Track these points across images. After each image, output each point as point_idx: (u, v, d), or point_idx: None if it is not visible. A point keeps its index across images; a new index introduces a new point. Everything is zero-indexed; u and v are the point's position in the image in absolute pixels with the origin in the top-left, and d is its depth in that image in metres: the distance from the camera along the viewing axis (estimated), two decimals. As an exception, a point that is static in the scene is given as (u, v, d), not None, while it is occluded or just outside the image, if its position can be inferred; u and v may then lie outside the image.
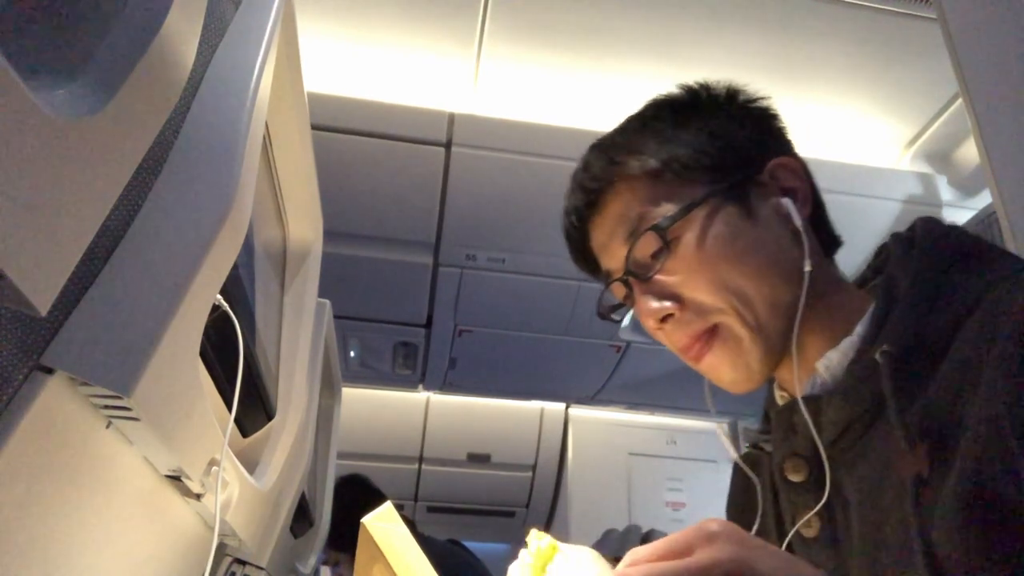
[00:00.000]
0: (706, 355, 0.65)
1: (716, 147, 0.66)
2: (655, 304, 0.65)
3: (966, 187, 2.11)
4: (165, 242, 0.47)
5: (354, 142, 1.89)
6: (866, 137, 2.05)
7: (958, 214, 2.13)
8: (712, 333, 0.64)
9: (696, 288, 0.63)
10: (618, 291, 0.71)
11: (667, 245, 0.64)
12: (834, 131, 2.01)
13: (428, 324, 2.56)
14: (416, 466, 3.30)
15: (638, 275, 0.66)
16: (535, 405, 3.27)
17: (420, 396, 3.18)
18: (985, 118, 1.01)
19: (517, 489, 3.39)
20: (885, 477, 0.54)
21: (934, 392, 0.52)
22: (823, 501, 0.59)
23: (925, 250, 0.59)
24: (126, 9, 0.42)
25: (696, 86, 0.72)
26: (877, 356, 0.54)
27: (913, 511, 0.49)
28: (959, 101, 1.77)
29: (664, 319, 0.65)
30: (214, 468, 0.59)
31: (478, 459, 3.27)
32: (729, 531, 0.45)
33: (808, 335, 0.64)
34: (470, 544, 2.65)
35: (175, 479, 0.57)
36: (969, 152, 2.01)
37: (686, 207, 0.64)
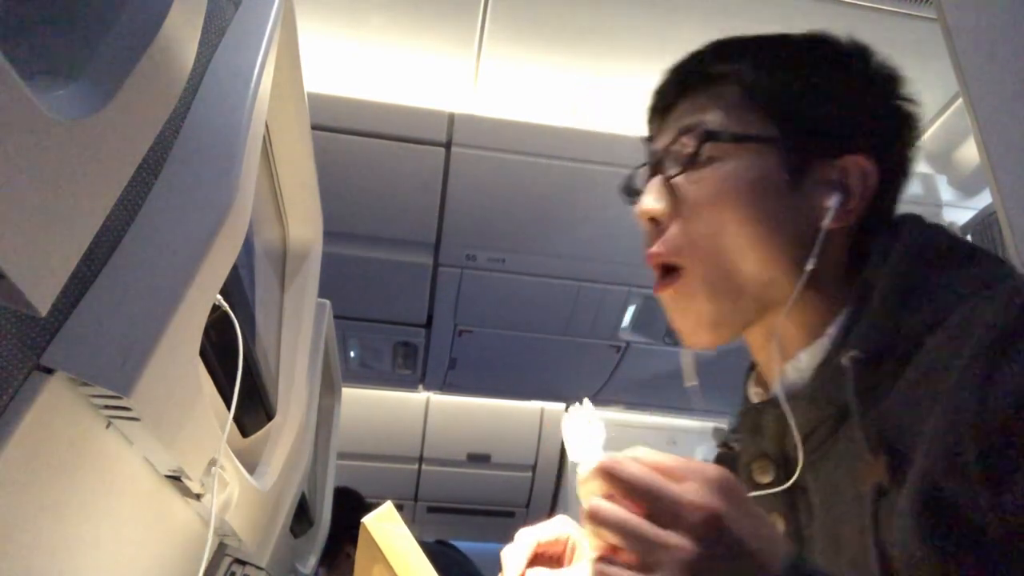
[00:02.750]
0: (666, 295, 0.63)
1: (822, 107, 0.61)
2: (651, 200, 0.63)
3: (966, 187, 2.11)
4: (165, 242, 0.47)
5: (354, 142, 1.89)
6: (866, 137, 2.05)
7: (958, 214, 2.13)
8: (673, 275, 0.62)
9: (692, 219, 0.61)
10: (643, 176, 0.68)
11: (696, 153, 0.61)
12: (834, 131, 2.00)
13: (428, 324, 2.55)
14: (416, 466, 3.30)
15: (662, 164, 0.64)
16: (535, 405, 3.27)
17: (420, 396, 3.18)
18: (985, 118, 1.01)
19: (517, 489, 3.39)
20: (847, 481, 0.54)
21: (897, 400, 0.51)
22: (789, 501, 0.59)
23: (904, 254, 0.57)
24: (126, 9, 0.42)
25: (859, 48, 0.66)
26: (844, 361, 0.54)
27: (870, 519, 0.49)
28: (959, 101, 1.77)
29: (649, 222, 0.63)
30: (214, 468, 0.59)
31: (478, 459, 3.27)
32: (724, 483, 0.44)
33: (787, 331, 0.62)
34: (470, 544, 2.65)
35: (175, 479, 0.57)
36: (969, 152, 2.01)
37: (740, 135, 0.60)
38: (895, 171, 0.64)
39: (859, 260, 0.62)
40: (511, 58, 1.79)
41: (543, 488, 3.37)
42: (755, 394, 0.69)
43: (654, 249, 0.63)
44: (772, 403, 0.61)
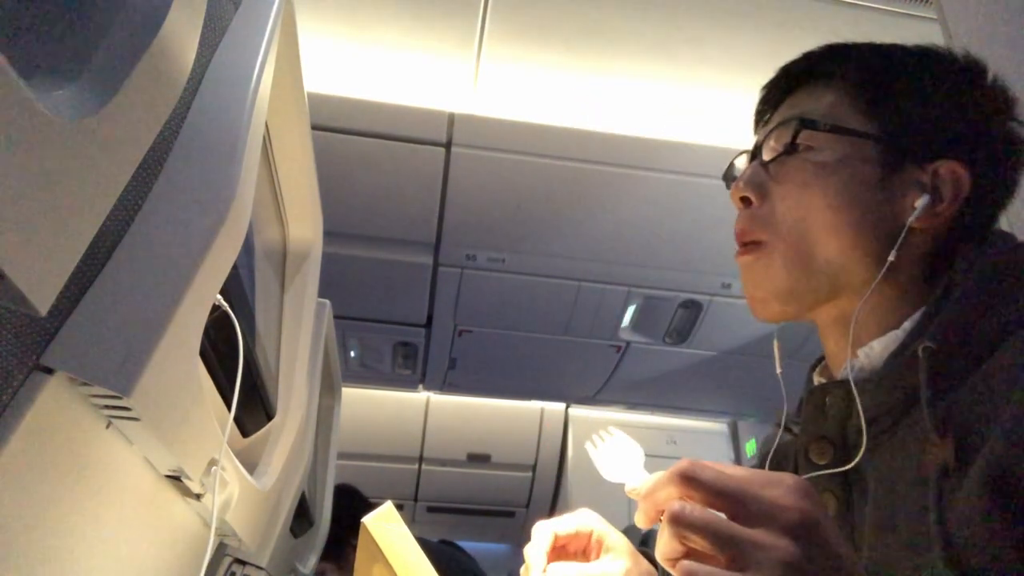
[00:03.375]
0: (744, 261, 0.67)
1: (927, 114, 0.63)
2: (745, 182, 0.67)
3: (966, 187, 2.11)
4: (165, 242, 0.47)
5: (354, 142, 1.89)
6: (866, 137, 2.04)
7: (958, 214, 2.12)
8: (758, 245, 0.65)
9: (782, 202, 0.64)
10: (742, 161, 0.72)
11: (793, 141, 0.64)
12: (834, 131, 2.00)
13: (428, 324, 2.56)
14: (416, 466, 3.30)
15: (759, 151, 0.68)
16: (535, 405, 3.27)
17: (420, 396, 3.18)
18: (985, 118, 1.01)
19: (517, 489, 3.39)
20: (905, 467, 0.55)
21: (969, 390, 0.52)
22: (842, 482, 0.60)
23: (990, 261, 0.59)
24: (126, 9, 0.42)
25: (977, 65, 0.67)
26: (919, 351, 0.55)
27: (935, 500, 0.50)
28: (959, 101, 1.77)
29: (743, 200, 0.67)
30: (214, 468, 0.59)
31: (478, 459, 3.27)
32: (811, 490, 0.43)
33: (862, 323, 0.64)
34: (470, 544, 2.65)
35: (175, 479, 0.57)
36: (969, 152, 2.01)
37: (838, 127, 0.63)
38: (993, 185, 0.64)
39: (942, 264, 0.64)
40: (511, 58, 1.79)
41: (543, 488, 3.37)
42: (818, 382, 0.70)
43: (741, 226, 0.67)
44: (837, 385, 0.63)
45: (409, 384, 3.02)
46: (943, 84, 0.65)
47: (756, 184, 0.67)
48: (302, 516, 1.41)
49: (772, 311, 0.66)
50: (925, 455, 0.52)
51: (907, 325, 0.61)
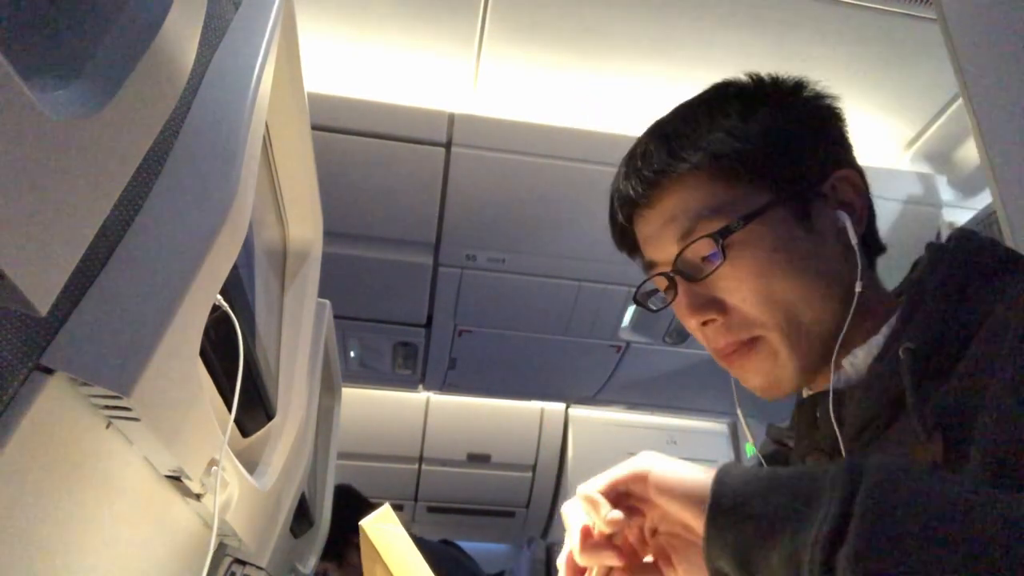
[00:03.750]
0: (741, 362, 0.65)
1: (783, 149, 0.64)
2: (700, 308, 0.64)
3: (966, 187, 2.11)
4: (165, 242, 0.47)
5: (354, 142, 1.89)
6: (866, 137, 2.05)
7: (958, 214, 2.13)
8: (751, 343, 0.64)
9: (745, 300, 0.63)
10: (660, 283, 0.70)
11: (723, 253, 0.62)
12: (834, 131, 2.01)
13: (428, 324, 2.55)
14: (416, 466, 3.30)
15: (687, 275, 0.65)
16: (535, 405, 3.27)
17: (420, 396, 3.18)
18: (985, 118, 1.01)
19: (517, 489, 3.39)
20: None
21: (953, 386, 0.53)
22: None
23: (957, 257, 0.60)
24: (126, 9, 0.42)
25: (765, 77, 0.69)
26: (900, 352, 0.56)
27: None
28: (959, 101, 1.77)
29: (706, 322, 0.65)
30: (214, 468, 0.59)
31: (478, 459, 3.26)
32: (644, 454, 0.52)
33: (843, 342, 0.64)
34: (470, 544, 2.65)
35: (175, 479, 0.57)
36: (969, 152, 2.01)
37: (747, 216, 0.62)
38: (859, 170, 0.68)
39: (874, 259, 0.67)
40: (511, 58, 1.79)
41: (543, 488, 3.37)
42: (806, 394, 0.71)
43: (722, 340, 0.65)
44: (825, 396, 0.63)
45: (409, 384, 3.02)
46: (766, 111, 0.66)
47: (709, 303, 0.64)
48: (302, 516, 1.41)
49: (788, 390, 0.66)
50: (916, 455, 0.53)
51: (886, 330, 0.62)
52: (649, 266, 0.70)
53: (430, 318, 2.52)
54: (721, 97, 0.68)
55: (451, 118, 1.89)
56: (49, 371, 0.39)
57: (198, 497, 0.59)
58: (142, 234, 0.46)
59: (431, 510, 3.44)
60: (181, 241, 0.47)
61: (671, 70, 1.80)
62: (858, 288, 0.61)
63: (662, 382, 2.91)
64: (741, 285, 0.63)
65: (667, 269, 0.66)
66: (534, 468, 3.34)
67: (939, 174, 2.12)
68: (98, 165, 0.37)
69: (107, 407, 0.44)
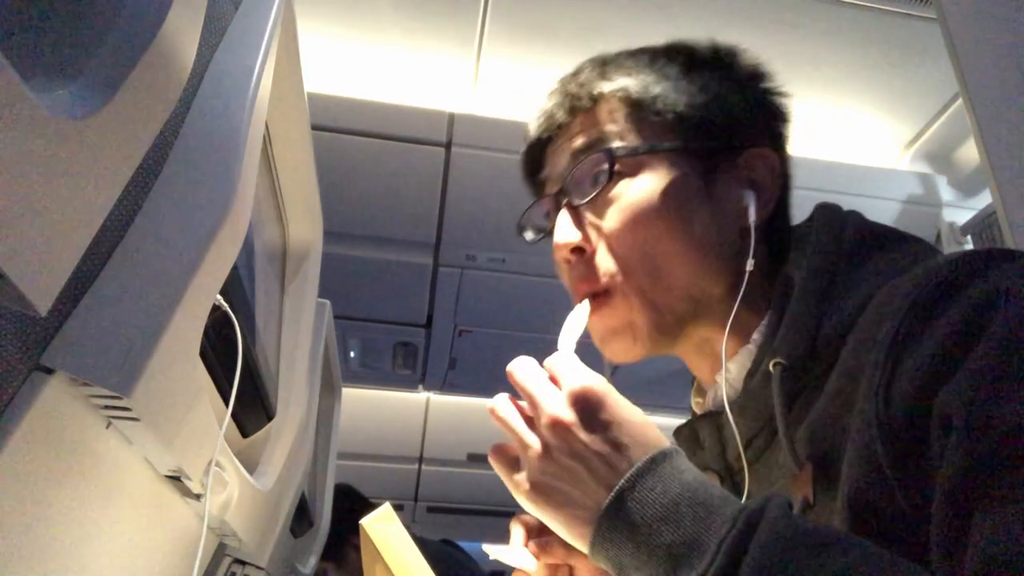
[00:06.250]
0: (596, 311, 0.61)
1: (710, 108, 0.60)
2: (568, 233, 0.60)
3: (966, 187, 2.11)
4: (165, 242, 0.47)
5: (354, 142, 1.89)
6: (866, 137, 2.05)
7: (958, 214, 2.13)
8: (606, 295, 0.60)
9: (613, 240, 0.58)
10: (544, 206, 0.66)
11: (611, 173, 0.58)
12: (834, 131, 2.01)
13: (428, 324, 2.55)
14: (416, 466, 3.30)
15: (569, 194, 0.61)
16: (535, 405, 3.26)
17: (420, 396, 3.18)
18: (985, 118, 1.01)
19: (517, 489, 3.38)
20: (787, 490, 0.52)
21: (821, 408, 0.49)
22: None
23: (819, 245, 0.55)
24: (126, 9, 0.42)
25: (723, 48, 0.65)
26: (770, 367, 0.52)
27: None
28: (959, 101, 1.77)
29: (571, 253, 0.61)
30: (214, 468, 0.59)
31: (478, 459, 3.26)
32: (584, 394, 0.51)
33: (716, 338, 0.60)
34: (470, 545, 2.64)
35: (175, 479, 0.57)
36: (969, 152, 2.01)
37: (650, 146, 0.59)
38: (785, 156, 0.64)
39: (776, 258, 0.61)
40: (511, 58, 1.79)
41: (543, 488, 3.37)
42: (696, 404, 0.68)
43: (578, 278, 0.61)
44: (707, 417, 0.60)
45: (409, 384, 3.02)
46: (712, 75, 0.62)
47: (577, 232, 0.60)
48: (302, 516, 1.41)
49: (637, 354, 0.62)
50: (792, 485, 0.50)
51: (756, 336, 0.57)
52: (540, 187, 0.67)
53: (430, 318, 2.52)
54: (671, 49, 0.65)
55: (451, 118, 1.89)
56: (49, 371, 0.39)
57: (198, 497, 0.59)
58: (142, 234, 0.46)
59: (431, 510, 3.44)
60: (181, 241, 0.47)
61: (671, 70, 1.79)
62: (748, 267, 0.56)
63: (662, 382, 2.91)
64: (615, 221, 0.58)
65: (556, 189, 0.63)
66: (534, 468, 3.34)
67: (939, 174, 2.12)
68: (98, 165, 0.37)
69: (107, 407, 0.44)
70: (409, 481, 3.33)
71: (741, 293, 0.56)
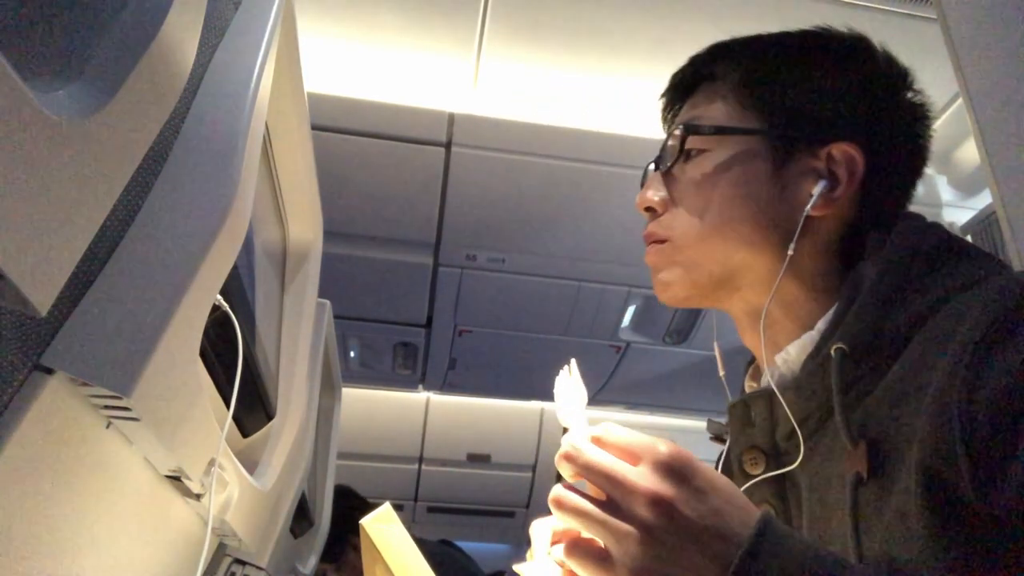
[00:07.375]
0: (649, 251, 0.69)
1: (800, 99, 0.64)
2: (647, 192, 0.69)
3: (966, 187, 2.11)
4: (165, 242, 0.47)
5: (354, 142, 1.89)
6: (866, 137, 2.05)
7: (958, 214, 2.13)
8: (663, 241, 0.67)
9: (682, 204, 0.66)
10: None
11: (683, 150, 0.66)
12: (834, 131, 2.01)
13: (428, 324, 2.55)
14: (416, 466, 3.30)
15: (659, 160, 0.70)
16: (535, 405, 3.27)
17: (420, 396, 3.18)
18: (985, 118, 1.01)
19: (517, 489, 3.39)
20: (835, 473, 0.54)
21: (881, 393, 0.52)
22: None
23: (896, 247, 0.57)
24: (126, 9, 0.42)
25: (848, 39, 0.69)
26: (831, 351, 0.54)
27: (849, 509, 0.50)
28: (959, 101, 1.77)
29: (647, 211, 0.69)
30: (213, 468, 0.59)
31: (478, 459, 3.27)
32: (674, 463, 0.45)
33: (779, 322, 0.63)
34: (470, 544, 2.65)
35: (175, 479, 0.57)
36: (969, 152, 2.01)
37: (728, 128, 0.64)
38: (894, 163, 0.63)
39: (853, 255, 0.62)
40: (511, 58, 1.79)
41: (543, 488, 3.37)
42: (749, 387, 0.71)
43: (649, 230, 0.69)
44: (761, 395, 0.62)
45: (409, 384, 3.02)
46: (825, 66, 0.65)
47: (654, 194, 0.68)
48: (302, 516, 1.41)
49: (675, 294, 0.67)
50: (845, 462, 0.52)
51: (820, 325, 0.60)
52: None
53: (430, 318, 2.52)
54: (813, 43, 0.69)
55: (451, 118, 1.89)
56: (49, 371, 0.39)
57: (198, 497, 0.59)
58: (142, 234, 0.46)
59: (431, 510, 3.44)
60: (181, 241, 0.47)
61: (671, 70, 1.79)
62: (790, 251, 0.60)
63: (662, 382, 2.91)
64: (684, 188, 0.66)
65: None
66: (534, 468, 3.35)
67: (939, 174, 2.12)
68: (98, 165, 0.37)
69: (107, 407, 0.44)
70: (409, 481, 3.33)
71: (781, 276, 0.61)
